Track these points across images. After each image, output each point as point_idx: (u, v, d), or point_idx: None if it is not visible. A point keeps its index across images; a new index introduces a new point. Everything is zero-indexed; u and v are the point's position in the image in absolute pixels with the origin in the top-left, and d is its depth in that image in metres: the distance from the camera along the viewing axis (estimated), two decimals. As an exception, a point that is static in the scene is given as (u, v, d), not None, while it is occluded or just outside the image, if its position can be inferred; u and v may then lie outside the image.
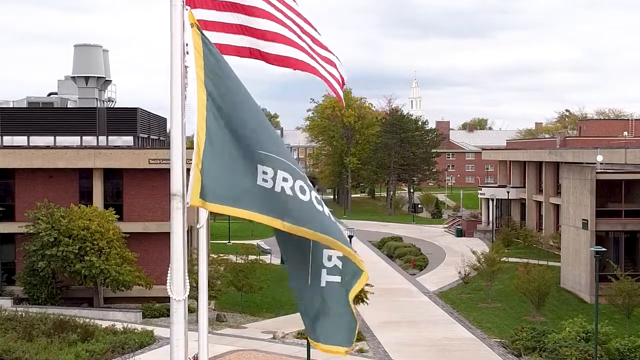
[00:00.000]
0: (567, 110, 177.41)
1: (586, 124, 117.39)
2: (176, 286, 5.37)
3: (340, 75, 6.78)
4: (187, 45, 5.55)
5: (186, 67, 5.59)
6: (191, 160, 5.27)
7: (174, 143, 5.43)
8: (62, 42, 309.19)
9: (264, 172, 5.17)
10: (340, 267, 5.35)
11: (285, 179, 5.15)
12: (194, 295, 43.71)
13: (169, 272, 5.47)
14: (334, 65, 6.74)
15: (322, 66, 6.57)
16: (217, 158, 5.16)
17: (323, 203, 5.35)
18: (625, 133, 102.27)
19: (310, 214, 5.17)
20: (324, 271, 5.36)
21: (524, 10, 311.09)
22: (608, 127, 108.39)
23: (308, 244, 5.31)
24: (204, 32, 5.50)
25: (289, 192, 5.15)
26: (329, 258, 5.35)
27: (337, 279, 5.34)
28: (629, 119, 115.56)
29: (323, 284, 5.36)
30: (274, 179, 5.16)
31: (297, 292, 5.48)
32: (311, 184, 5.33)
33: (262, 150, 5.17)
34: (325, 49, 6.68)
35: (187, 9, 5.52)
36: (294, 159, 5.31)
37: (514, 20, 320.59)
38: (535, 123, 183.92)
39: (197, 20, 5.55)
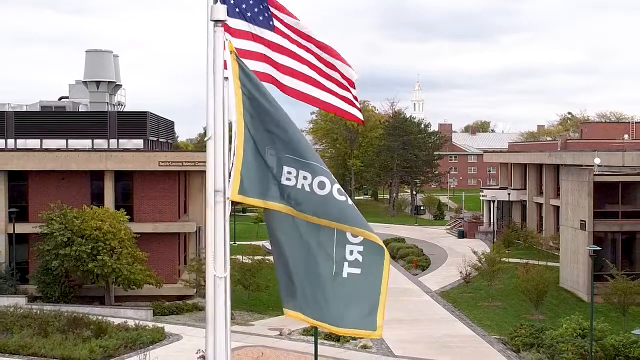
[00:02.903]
0: (569, 113, 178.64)
1: (587, 126, 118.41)
2: (219, 265, 6.50)
3: (354, 97, 7.83)
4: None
5: (225, 77, 6.82)
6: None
7: (217, 146, 6.59)
8: (60, 43, 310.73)
9: (289, 172, 6.39)
10: (361, 260, 6.31)
11: (305, 177, 6.37)
12: (202, 294, 44.45)
13: (211, 253, 6.54)
14: (346, 89, 7.77)
15: (335, 95, 7.68)
16: (252, 162, 6.42)
17: (345, 194, 6.42)
18: (626, 136, 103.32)
19: (328, 205, 6.30)
20: (346, 264, 6.32)
21: (526, 12, 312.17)
22: (609, 129, 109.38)
23: (332, 239, 6.36)
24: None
25: (307, 188, 6.36)
26: (351, 252, 6.32)
27: (358, 270, 6.32)
28: (629, 122, 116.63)
29: (345, 275, 6.32)
30: (296, 177, 6.38)
31: (305, 285, 6.32)
32: (334, 179, 6.39)
33: (287, 154, 6.41)
34: (335, 78, 7.74)
35: (226, 40, 6.73)
36: (316, 159, 6.41)
37: (516, 22, 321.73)
38: (538, 126, 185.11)
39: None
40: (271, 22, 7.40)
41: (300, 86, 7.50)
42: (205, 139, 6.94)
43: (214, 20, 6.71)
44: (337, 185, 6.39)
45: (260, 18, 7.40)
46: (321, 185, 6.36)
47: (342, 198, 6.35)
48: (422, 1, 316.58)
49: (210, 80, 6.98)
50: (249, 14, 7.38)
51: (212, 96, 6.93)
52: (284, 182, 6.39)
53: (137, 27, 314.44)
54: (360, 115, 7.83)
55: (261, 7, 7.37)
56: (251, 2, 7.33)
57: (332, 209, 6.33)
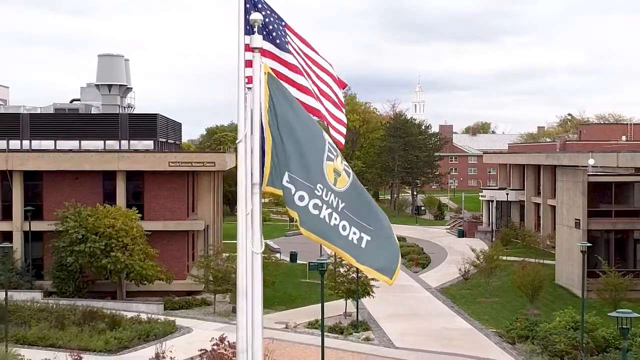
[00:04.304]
0: (569, 114, 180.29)
1: (586, 128, 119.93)
2: (256, 243, 8.11)
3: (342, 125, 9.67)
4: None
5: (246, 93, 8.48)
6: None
7: (255, 147, 8.21)
8: (60, 44, 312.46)
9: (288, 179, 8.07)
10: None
11: (302, 197, 7.84)
12: (211, 289, 45.72)
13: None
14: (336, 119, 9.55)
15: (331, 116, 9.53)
16: (275, 162, 8.01)
17: (338, 218, 7.93)
18: (624, 137, 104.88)
19: (317, 223, 7.85)
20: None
21: (527, 13, 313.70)
22: (607, 131, 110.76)
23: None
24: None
25: (303, 204, 7.82)
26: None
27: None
28: (627, 123, 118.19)
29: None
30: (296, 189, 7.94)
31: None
32: (328, 202, 7.90)
33: (289, 171, 7.95)
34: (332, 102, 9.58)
35: (262, 62, 8.40)
36: (319, 181, 7.95)
37: (517, 23, 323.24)
38: (538, 127, 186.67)
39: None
40: (287, 46, 9.12)
41: (311, 102, 9.25)
42: (237, 142, 8.56)
43: (253, 47, 8.36)
44: (314, 201, 7.94)
45: (282, 40, 9.12)
46: (316, 207, 7.88)
47: (316, 212, 7.95)
48: (422, 2, 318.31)
49: (241, 93, 8.62)
50: (277, 41, 9.07)
51: (242, 106, 8.58)
52: (285, 184, 7.96)
53: (137, 27, 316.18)
54: (342, 140, 9.67)
55: (282, 32, 9.08)
56: (274, 26, 9.02)
57: (309, 217, 7.94)
